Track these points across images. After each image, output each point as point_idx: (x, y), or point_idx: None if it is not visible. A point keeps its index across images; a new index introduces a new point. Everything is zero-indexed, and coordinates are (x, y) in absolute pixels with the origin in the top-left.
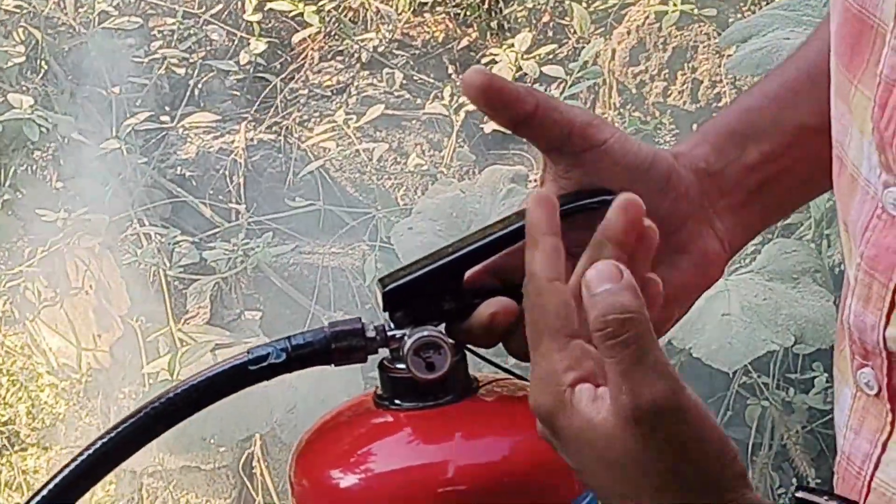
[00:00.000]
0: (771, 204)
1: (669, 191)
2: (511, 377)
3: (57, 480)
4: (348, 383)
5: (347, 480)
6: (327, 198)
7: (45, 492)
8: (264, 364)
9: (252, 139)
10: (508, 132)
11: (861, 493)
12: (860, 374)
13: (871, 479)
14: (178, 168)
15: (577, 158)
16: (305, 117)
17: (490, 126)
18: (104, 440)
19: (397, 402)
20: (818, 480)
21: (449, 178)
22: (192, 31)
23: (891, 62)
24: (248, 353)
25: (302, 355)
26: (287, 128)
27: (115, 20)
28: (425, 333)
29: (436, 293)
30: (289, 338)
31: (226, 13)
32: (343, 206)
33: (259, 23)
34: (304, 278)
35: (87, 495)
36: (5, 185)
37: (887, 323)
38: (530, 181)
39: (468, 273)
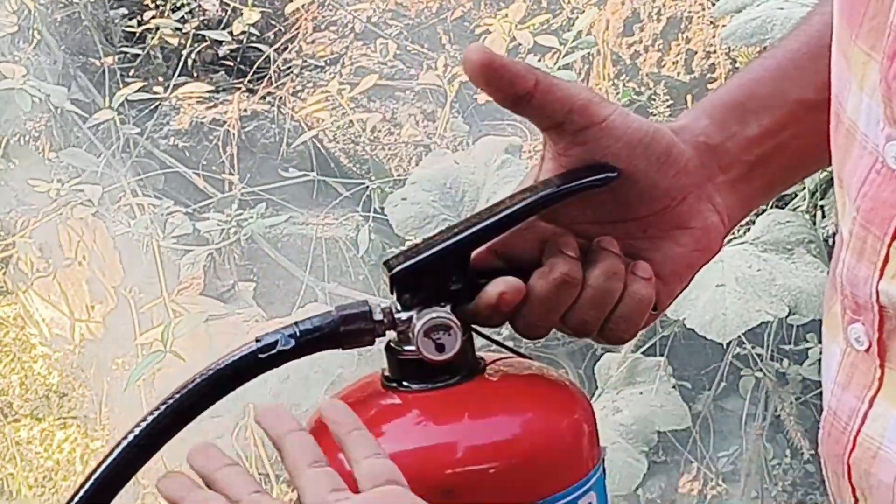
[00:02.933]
0: (770, 178)
1: (670, 166)
2: (515, 356)
3: (87, 486)
4: (341, 353)
5: None
6: (321, 168)
7: None
8: (273, 352)
9: (245, 109)
10: None
11: (847, 448)
12: (851, 330)
13: (858, 434)
14: (172, 139)
15: (577, 136)
16: (299, 87)
17: (484, 97)
18: (119, 447)
19: (405, 383)
20: (812, 452)
21: (443, 148)
22: (185, 1)
23: None
24: (256, 340)
25: (311, 340)
26: (280, 98)
27: None
28: (435, 315)
29: (443, 274)
30: (297, 323)
31: None
32: (336, 177)
33: None
34: (298, 249)
35: (81, 466)
36: None
37: (880, 277)
38: (524, 152)
39: (473, 253)
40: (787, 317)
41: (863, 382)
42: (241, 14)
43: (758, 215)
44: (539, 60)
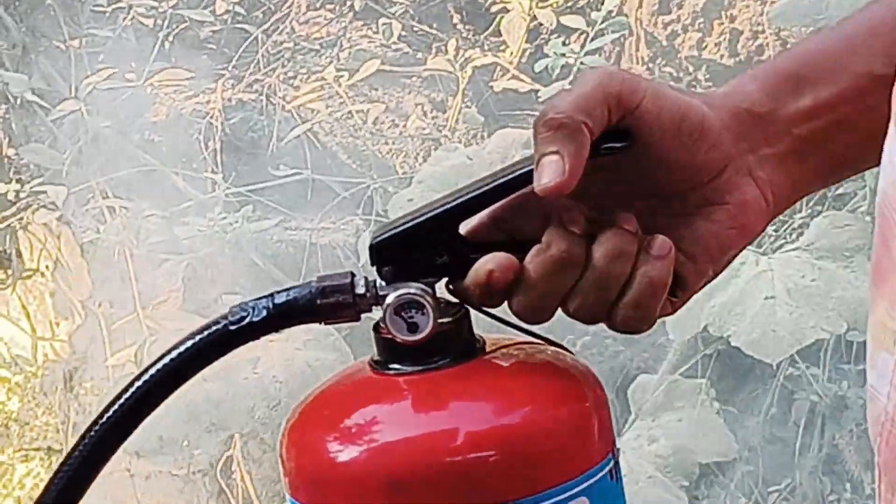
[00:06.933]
0: (828, 158)
1: (703, 141)
2: (529, 337)
3: (52, 487)
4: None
5: (346, 452)
6: (316, 166)
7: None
8: (244, 324)
9: (230, 99)
10: (522, 91)
11: None
12: None
13: None
14: (147, 132)
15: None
16: (291, 74)
17: (500, 84)
18: (90, 434)
19: (394, 366)
20: (874, 486)
21: (454, 142)
22: None
23: None
24: (229, 312)
25: (285, 312)
26: (270, 86)
27: None
28: (405, 291)
29: (428, 246)
30: (272, 294)
31: None
32: (334, 176)
33: None
34: (290, 257)
35: None
36: None
37: None
38: None
39: (469, 224)
40: (845, 333)
41: None
42: None
43: (812, 217)
44: (564, 44)
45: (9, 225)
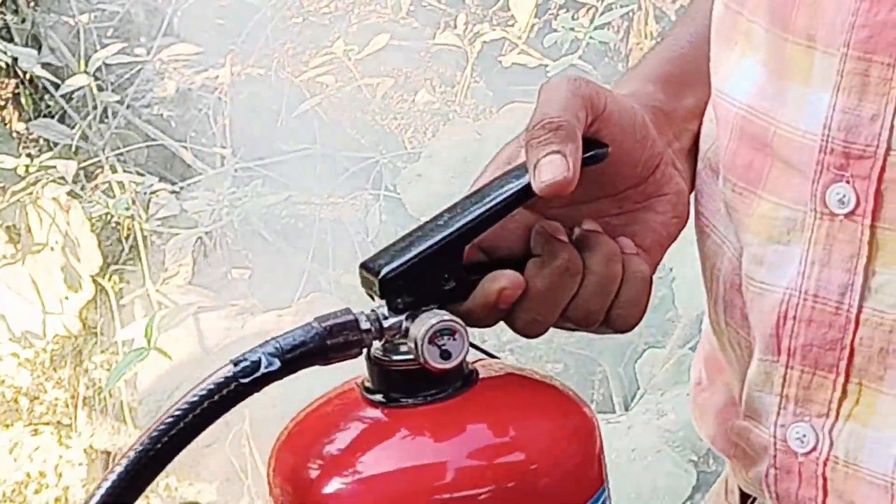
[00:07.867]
0: None
1: (647, 137)
2: (499, 360)
3: None
4: None
5: (332, 486)
6: (324, 140)
7: None
8: (258, 374)
9: (239, 74)
10: (531, 66)
11: (845, 331)
12: (832, 192)
13: (860, 311)
14: (156, 107)
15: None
16: (299, 49)
17: (509, 59)
18: (94, 496)
19: (393, 395)
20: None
21: (463, 117)
22: None
23: None
24: (234, 364)
25: (296, 357)
26: (279, 60)
27: None
28: (440, 319)
29: (438, 273)
30: (276, 339)
31: None
32: (343, 150)
33: None
34: (299, 232)
35: (55, 478)
36: None
37: None
38: None
39: None
40: None
41: (847, 253)
42: None
43: None
44: (573, 18)
45: (18, 199)
